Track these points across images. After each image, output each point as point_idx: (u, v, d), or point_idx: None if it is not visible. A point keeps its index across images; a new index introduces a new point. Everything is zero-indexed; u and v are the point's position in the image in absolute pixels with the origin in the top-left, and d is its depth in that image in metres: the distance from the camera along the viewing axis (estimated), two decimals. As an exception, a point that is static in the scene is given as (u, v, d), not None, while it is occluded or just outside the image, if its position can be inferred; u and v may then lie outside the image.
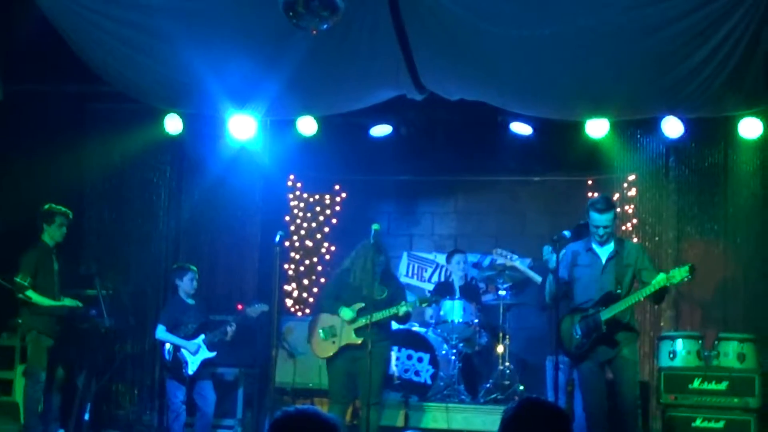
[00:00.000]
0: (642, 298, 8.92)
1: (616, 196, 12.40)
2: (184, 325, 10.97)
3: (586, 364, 9.06)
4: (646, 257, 9.24)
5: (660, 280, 8.73)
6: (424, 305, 11.69)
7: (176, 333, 10.92)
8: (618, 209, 12.19)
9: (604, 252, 9.13)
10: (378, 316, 10.01)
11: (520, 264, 11.49)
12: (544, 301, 9.91)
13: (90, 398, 11.39)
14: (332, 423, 3.92)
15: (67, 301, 10.74)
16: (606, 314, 8.87)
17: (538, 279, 10.89)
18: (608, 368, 9.10)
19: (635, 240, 11.89)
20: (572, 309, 9.18)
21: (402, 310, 10.26)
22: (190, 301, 11.18)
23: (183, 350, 10.87)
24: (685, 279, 8.74)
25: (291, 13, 7.76)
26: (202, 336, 10.92)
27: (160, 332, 10.97)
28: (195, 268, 11.24)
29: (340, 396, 10.22)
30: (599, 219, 9.01)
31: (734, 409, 9.89)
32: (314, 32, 7.97)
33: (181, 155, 12.79)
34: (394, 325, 11.00)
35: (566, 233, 9.25)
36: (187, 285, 11.15)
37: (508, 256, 11.55)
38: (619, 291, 8.93)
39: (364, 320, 10.00)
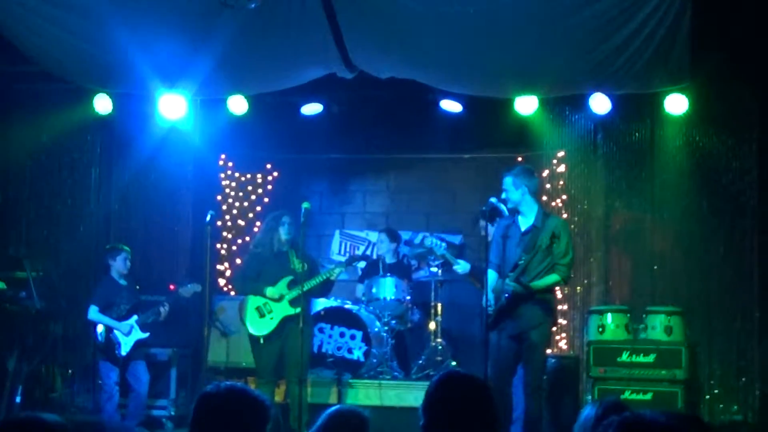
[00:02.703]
0: (535, 286, 9.02)
1: (546, 172, 12.53)
2: (117, 306, 10.92)
3: (493, 335, 9.12)
4: (564, 236, 9.23)
5: (552, 280, 9.08)
6: (356, 264, 12.09)
7: (108, 314, 10.88)
8: (548, 185, 12.40)
9: (523, 224, 9.25)
10: (312, 282, 10.23)
11: (448, 255, 11.43)
12: None
13: (21, 381, 11.27)
14: (261, 400, 3.98)
15: (-7, 283, 10.63)
16: (509, 286, 8.98)
17: (465, 267, 10.87)
18: (518, 346, 9.19)
19: (565, 216, 11.99)
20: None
21: (336, 271, 10.56)
22: (123, 282, 11.13)
23: (116, 331, 10.84)
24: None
25: (219, -9, 7.73)
26: (135, 317, 10.89)
27: (93, 313, 10.92)
28: (128, 249, 11.21)
29: (269, 375, 10.29)
30: (503, 182, 9.25)
31: (662, 381, 9.99)
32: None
33: (110, 135, 12.69)
34: (319, 305, 11.44)
35: (493, 200, 9.35)
36: (119, 265, 11.10)
37: (437, 245, 11.45)
38: (521, 262, 9.02)
39: (297, 291, 10.10)
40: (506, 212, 9.65)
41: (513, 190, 9.21)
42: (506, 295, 8.99)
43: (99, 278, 11.62)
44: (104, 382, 10.91)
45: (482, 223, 10.58)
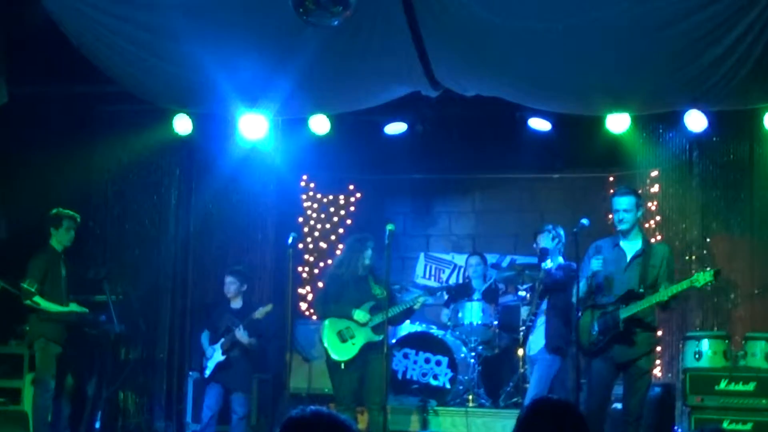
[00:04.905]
0: (665, 299, 8.62)
1: (639, 192, 12.20)
2: (219, 330, 11.00)
3: (597, 362, 8.91)
4: (672, 263, 9.08)
5: (683, 282, 8.63)
6: (438, 294, 12.02)
7: (212, 338, 11.00)
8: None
9: (630, 249, 8.97)
10: (396, 310, 10.18)
11: None
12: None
13: (100, 406, 11.32)
14: (347, 425, 3.86)
15: (74, 307, 10.65)
16: (625, 312, 8.72)
17: None
18: (621, 374, 8.98)
19: (658, 238, 11.72)
20: (592, 304, 9.00)
21: (420, 300, 10.46)
22: (235, 306, 11.17)
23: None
24: (710, 283, 8.71)
25: (301, 10, 7.59)
26: (222, 340, 10.89)
27: (202, 337, 11.16)
28: (236, 271, 11.23)
29: (349, 401, 10.16)
30: (617, 202, 8.95)
31: (763, 411, 9.67)
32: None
33: (190, 156, 12.71)
34: (404, 330, 11.58)
35: (585, 221, 9.04)
36: (226, 289, 11.16)
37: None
38: (641, 290, 8.74)
39: (379, 318, 10.02)
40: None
41: (634, 211, 8.97)
42: (623, 324, 8.72)
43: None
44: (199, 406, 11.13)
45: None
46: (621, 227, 8.94)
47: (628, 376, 8.93)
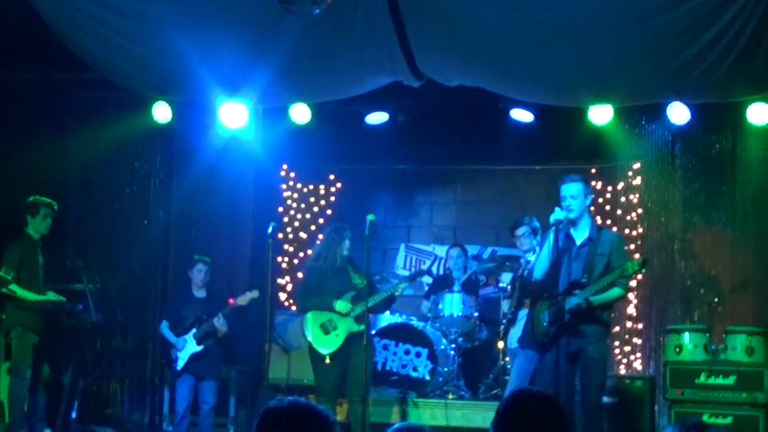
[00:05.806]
0: (600, 288, 8.49)
1: (621, 185, 12.36)
2: (185, 319, 10.89)
3: (550, 355, 8.71)
4: (622, 251, 8.92)
5: (615, 272, 8.47)
6: (419, 278, 11.91)
7: (177, 328, 10.85)
8: (623, 198, 12.12)
9: (578, 238, 8.80)
10: (376, 298, 10.12)
11: None
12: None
13: (77, 396, 11.16)
14: (325, 416, 3.93)
15: (51, 295, 10.50)
16: (569, 303, 8.53)
17: None
18: (576, 365, 8.81)
19: (640, 231, 11.67)
20: (548, 295, 8.85)
21: (401, 287, 10.36)
22: (200, 294, 11.08)
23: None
24: (638, 272, 8.65)
25: (282, -3, 7.54)
26: (194, 330, 10.76)
27: (162, 328, 11.00)
28: (205, 259, 11.13)
29: (330, 393, 10.06)
30: (564, 188, 8.75)
31: (742, 405, 9.67)
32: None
33: (170, 144, 12.59)
34: (384, 321, 11.53)
35: (557, 211, 8.78)
36: (194, 277, 11.06)
37: None
38: (584, 280, 8.58)
39: (360, 307, 9.95)
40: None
41: (582, 198, 8.77)
42: (567, 314, 8.56)
43: (178, 290, 11.67)
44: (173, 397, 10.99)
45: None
46: (568, 216, 8.71)
47: (581, 367, 8.70)
